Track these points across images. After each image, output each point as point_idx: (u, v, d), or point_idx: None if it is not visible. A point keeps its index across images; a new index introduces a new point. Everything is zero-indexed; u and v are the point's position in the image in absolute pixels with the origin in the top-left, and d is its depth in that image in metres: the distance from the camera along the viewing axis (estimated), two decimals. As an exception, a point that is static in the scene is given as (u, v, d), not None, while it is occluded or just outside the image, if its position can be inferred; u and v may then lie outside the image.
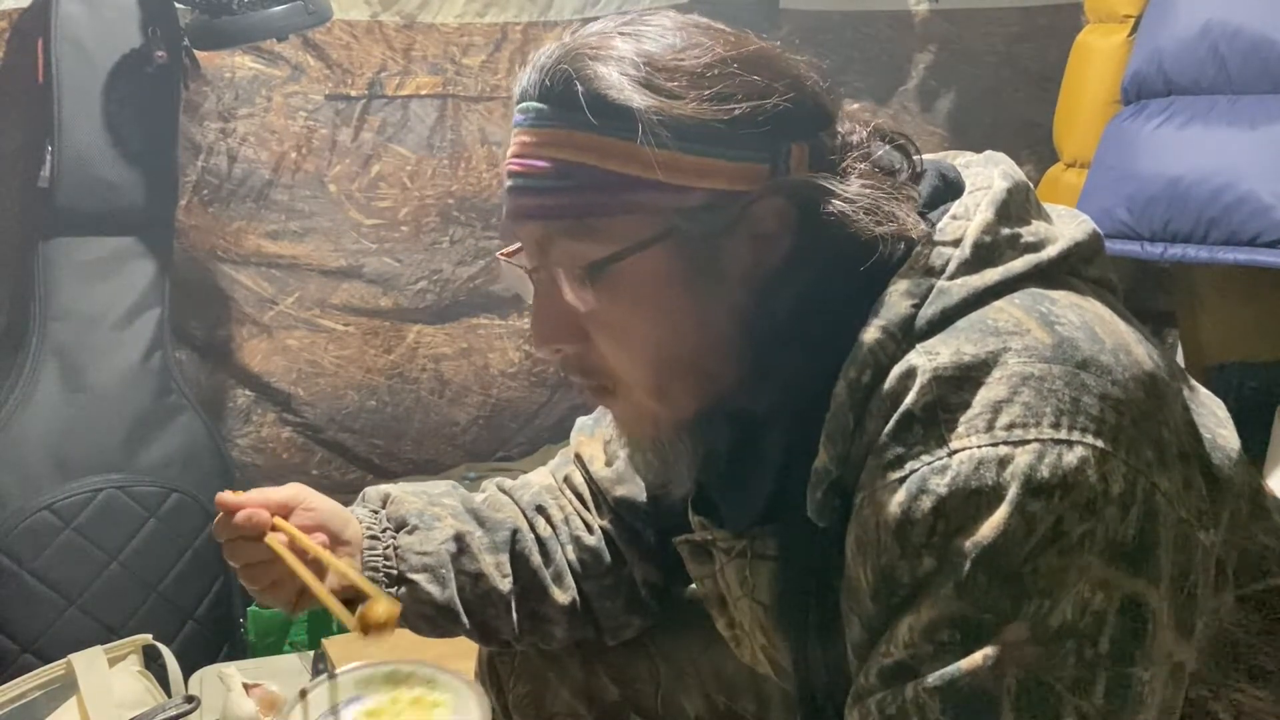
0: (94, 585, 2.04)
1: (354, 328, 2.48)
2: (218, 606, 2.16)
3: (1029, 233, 0.90)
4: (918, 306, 0.85)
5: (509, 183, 0.91)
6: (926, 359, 0.82)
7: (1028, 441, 0.78)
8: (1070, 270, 0.91)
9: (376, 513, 1.16)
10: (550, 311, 0.92)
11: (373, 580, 1.09)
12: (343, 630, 2.01)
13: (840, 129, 0.92)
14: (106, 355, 2.11)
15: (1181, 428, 0.87)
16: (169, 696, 1.83)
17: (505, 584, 1.16)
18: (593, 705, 1.25)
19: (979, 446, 0.78)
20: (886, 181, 0.90)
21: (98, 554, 2.05)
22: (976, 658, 0.77)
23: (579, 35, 0.90)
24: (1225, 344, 2.41)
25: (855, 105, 0.96)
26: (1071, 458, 0.78)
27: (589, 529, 1.21)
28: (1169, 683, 0.83)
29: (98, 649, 1.83)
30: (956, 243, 0.87)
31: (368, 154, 2.44)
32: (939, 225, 0.88)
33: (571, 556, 1.20)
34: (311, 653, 1.98)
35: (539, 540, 1.19)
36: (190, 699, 1.72)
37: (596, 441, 1.24)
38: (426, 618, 1.14)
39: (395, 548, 1.13)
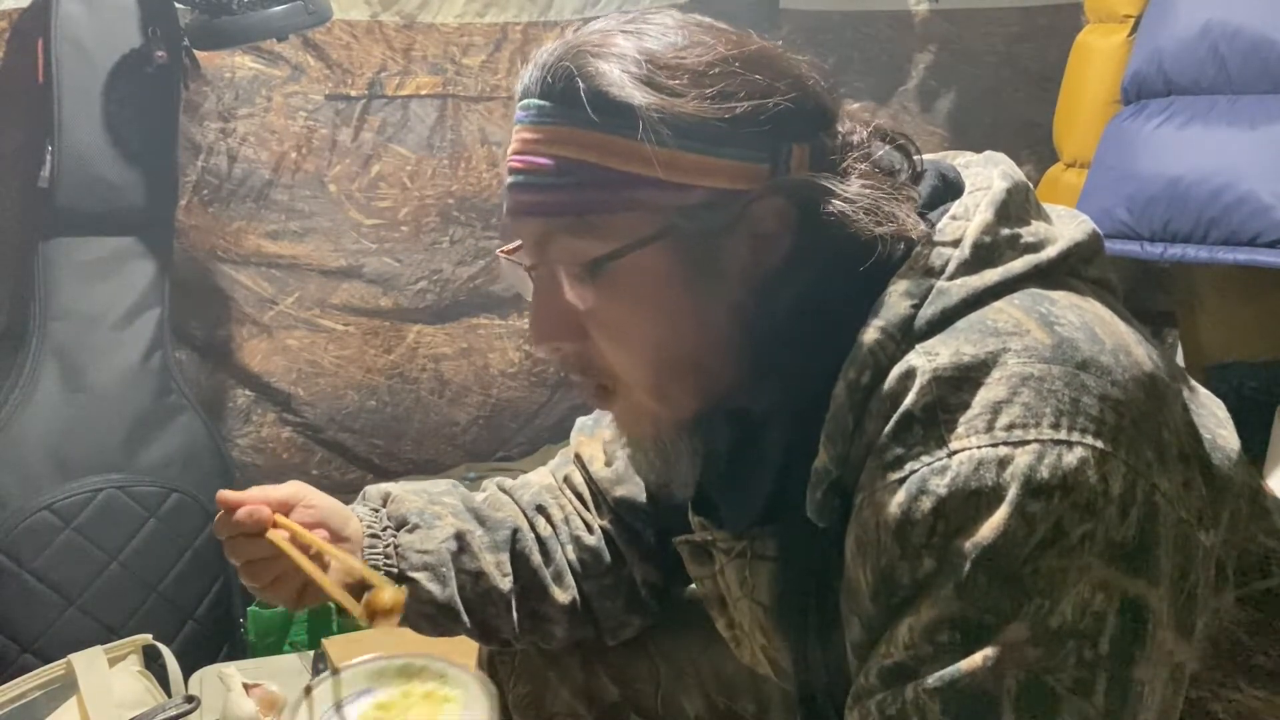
0: (94, 585, 2.04)
1: (354, 328, 2.48)
2: (218, 606, 2.16)
3: (1029, 233, 0.90)
4: (917, 307, 0.85)
5: (510, 179, 0.91)
6: (926, 359, 0.82)
7: (1027, 442, 0.78)
8: (1070, 271, 0.91)
9: (377, 511, 1.16)
10: (549, 309, 0.92)
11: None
12: (343, 630, 2.02)
13: (841, 129, 0.92)
14: (106, 355, 2.11)
15: (1181, 428, 0.87)
16: (169, 696, 1.83)
17: (505, 583, 1.16)
18: (593, 705, 1.25)
19: (979, 447, 0.78)
20: (886, 182, 0.90)
21: (98, 554, 2.05)
22: (976, 658, 0.77)
23: (581, 33, 0.90)
24: (1225, 344, 2.41)
25: (855, 105, 0.96)
26: (1071, 458, 0.78)
27: (589, 529, 1.21)
28: (1169, 683, 0.83)
29: (98, 649, 1.83)
30: (956, 243, 0.87)
31: (368, 154, 2.44)
32: (938, 225, 0.88)
33: (571, 556, 1.20)
34: (311, 653, 1.98)
35: (539, 540, 1.19)
36: (190, 699, 1.72)
37: (596, 441, 1.24)
38: (427, 616, 1.14)
39: (396, 546, 1.13)
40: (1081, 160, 2.43)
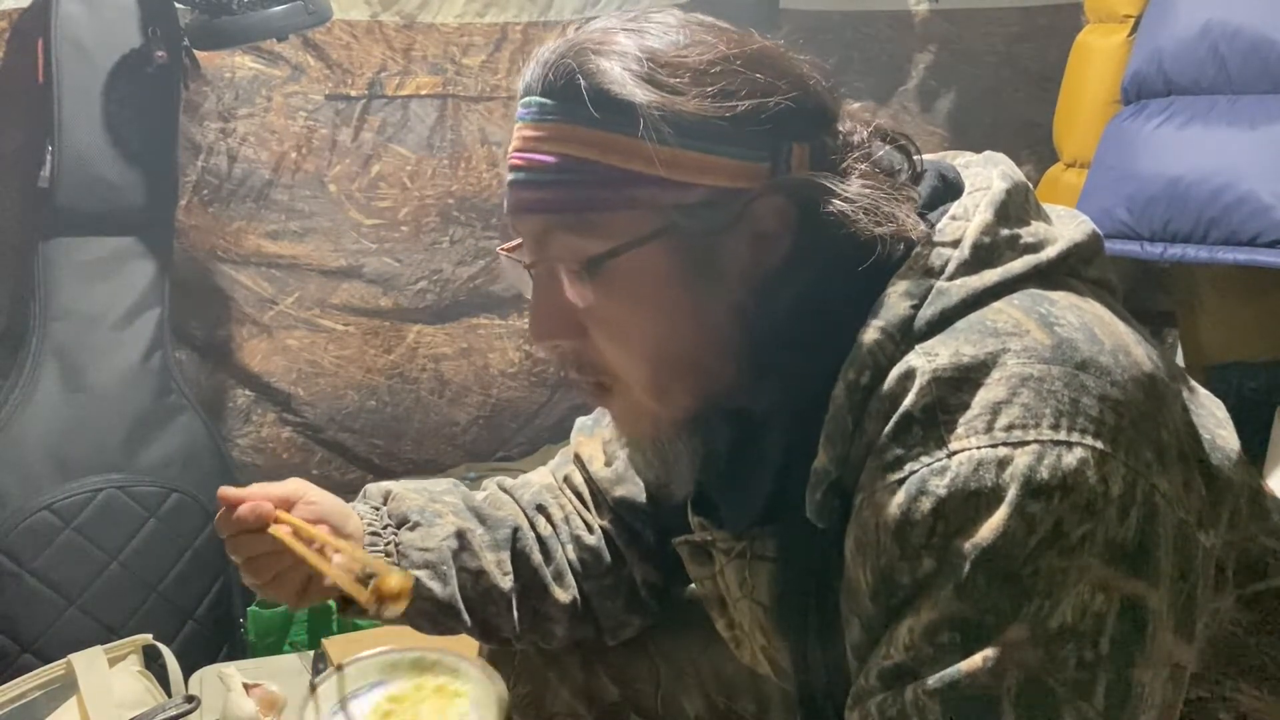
0: (94, 585, 2.04)
1: (354, 328, 2.48)
2: (218, 606, 2.16)
3: (1028, 233, 0.90)
4: (917, 307, 0.85)
5: (510, 176, 0.91)
6: (925, 360, 0.81)
7: (1027, 443, 0.78)
8: (1069, 271, 0.91)
9: (378, 509, 1.16)
10: (549, 306, 0.92)
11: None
12: (343, 629, 2.02)
13: (842, 129, 0.92)
14: (106, 355, 2.11)
15: (1181, 429, 0.87)
16: (169, 696, 1.83)
17: (506, 582, 1.16)
18: (593, 705, 1.25)
19: (978, 448, 0.78)
20: (886, 182, 0.90)
21: (98, 554, 2.05)
22: (976, 659, 0.77)
23: (583, 31, 0.90)
24: (1225, 344, 2.41)
25: (856, 105, 0.96)
26: (1071, 459, 0.78)
27: (589, 529, 1.21)
28: (1169, 684, 0.83)
29: (98, 649, 1.83)
30: (956, 243, 0.87)
31: (368, 154, 2.44)
32: (938, 226, 0.88)
33: (572, 556, 1.20)
34: (311, 653, 1.98)
35: (539, 539, 1.19)
36: (190, 699, 1.72)
37: (596, 441, 1.24)
38: (427, 614, 1.14)
39: (396, 544, 1.13)
40: (1081, 160, 2.43)
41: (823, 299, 0.88)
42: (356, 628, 1.95)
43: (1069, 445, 0.78)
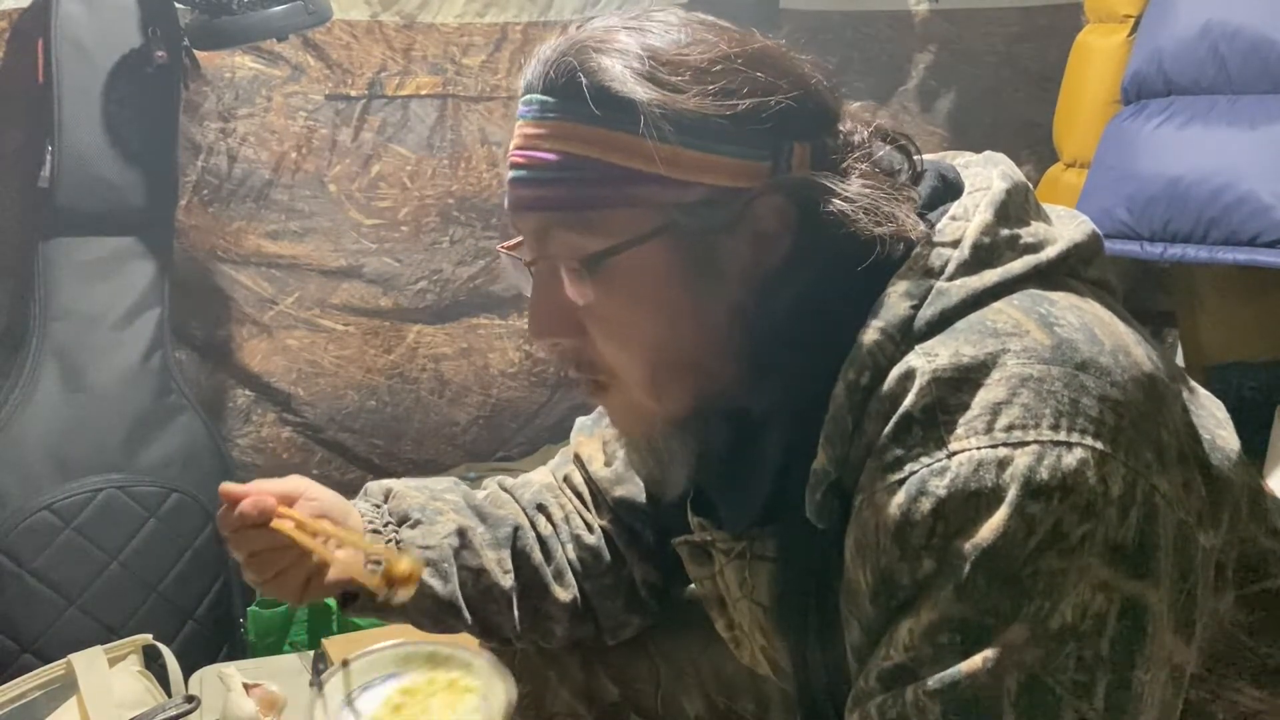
0: (94, 585, 2.04)
1: (354, 328, 2.48)
2: (218, 606, 2.16)
3: (1028, 234, 0.90)
4: (916, 308, 0.85)
5: (511, 174, 0.91)
6: (925, 360, 0.81)
7: (1027, 443, 0.78)
8: (1069, 271, 0.91)
9: (379, 506, 1.16)
10: (548, 304, 0.92)
11: (373, 575, 1.10)
12: (343, 629, 2.02)
13: (842, 129, 0.92)
14: (106, 355, 2.11)
15: (1181, 429, 0.86)
16: (169, 696, 1.83)
17: (507, 580, 1.16)
18: (593, 705, 1.25)
19: (978, 448, 0.78)
20: (886, 182, 0.90)
21: (98, 554, 2.05)
22: (976, 660, 0.77)
23: (584, 29, 0.91)
24: (1225, 344, 2.41)
25: (856, 105, 0.96)
26: (1071, 459, 0.78)
27: (589, 528, 1.21)
28: (1169, 684, 0.83)
29: (98, 649, 1.83)
30: (955, 244, 0.87)
31: (368, 154, 2.44)
32: (938, 226, 0.88)
33: (572, 555, 1.20)
34: (311, 653, 1.98)
35: (540, 538, 1.19)
36: (190, 699, 1.72)
37: (595, 441, 1.24)
38: (428, 612, 1.14)
39: (397, 541, 1.13)
40: (1081, 160, 2.43)
41: (822, 299, 0.88)
42: (356, 627, 1.95)
43: (1069, 446, 0.78)
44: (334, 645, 1.82)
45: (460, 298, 2.56)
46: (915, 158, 0.94)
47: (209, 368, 2.38)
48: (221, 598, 2.16)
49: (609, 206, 0.87)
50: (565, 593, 1.19)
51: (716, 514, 1.03)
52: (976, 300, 0.85)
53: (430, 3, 2.45)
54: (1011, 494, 0.77)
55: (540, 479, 1.25)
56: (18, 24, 2.12)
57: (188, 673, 1.93)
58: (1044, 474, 0.77)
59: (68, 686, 1.77)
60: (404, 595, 1.04)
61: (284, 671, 1.94)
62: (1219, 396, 0.97)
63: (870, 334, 0.84)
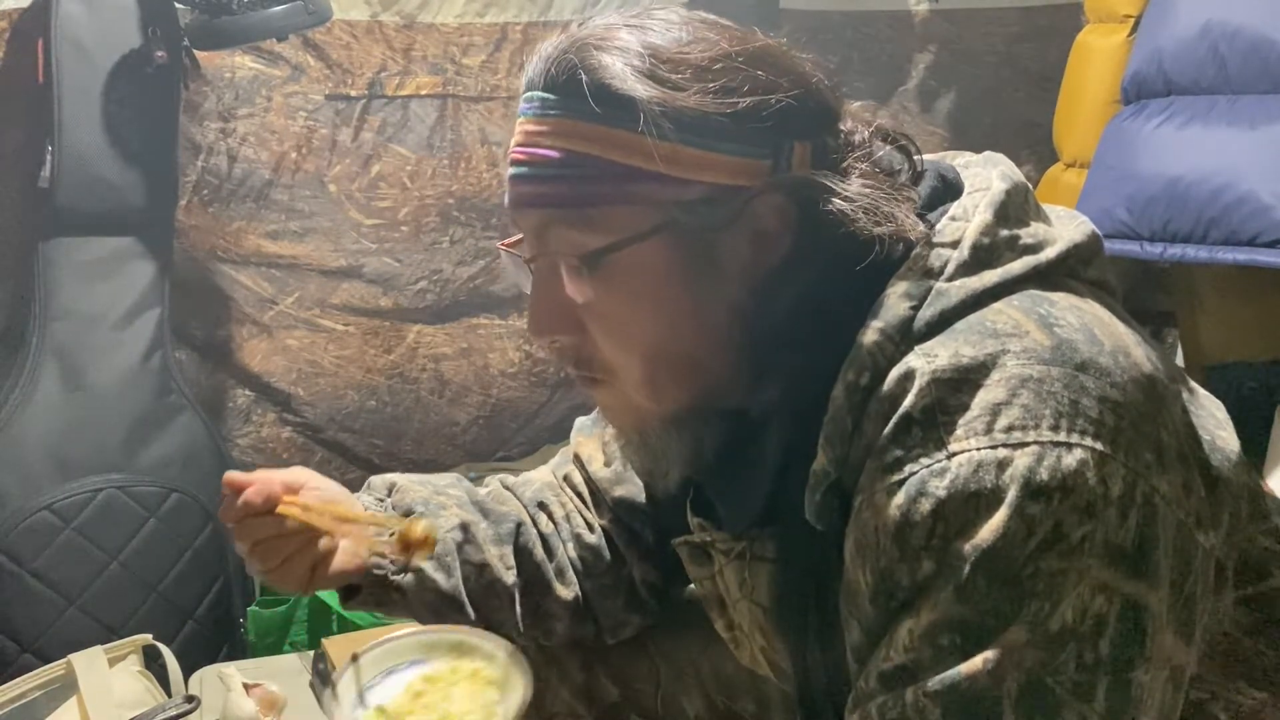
0: (94, 585, 2.04)
1: (354, 328, 2.48)
2: (218, 606, 2.16)
3: (1028, 234, 0.90)
4: (916, 308, 0.85)
5: (511, 171, 0.91)
6: (925, 361, 0.81)
7: (1027, 444, 0.78)
8: (1069, 272, 0.91)
9: (382, 500, 1.16)
10: (548, 301, 0.92)
11: (378, 566, 1.10)
12: (343, 629, 2.02)
13: (843, 128, 0.92)
14: (106, 355, 2.11)
15: (1181, 430, 0.86)
16: (169, 696, 1.83)
17: (509, 576, 1.16)
18: (593, 705, 1.25)
19: (978, 449, 0.78)
20: (886, 182, 0.90)
21: (98, 554, 2.05)
22: (976, 661, 0.77)
23: (585, 26, 0.91)
24: (1225, 344, 2.42)
25: (857, 105, 0.96)
26: (1070, 460, 0.78)
27: (590, 527, 1.21)
28: (1169, 685, 0.83)
29: (98, 649, 1.83)
30: (955, 244, 0.87)
31: (368, 154, 2.44)
32: (938, 226, 0.88)
33: (572, 554, 1.20)
34: (311, 652, 1.98)
35: (541, 535, 1.19)
36: (190, 699, 1.72)
37: (595, 441, 1.24)
38: (431, 606, 1.14)
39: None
40: (1081, 160, 2.43)
41: (822, 299, 0.88)
42: (356, 627, 1.95)
43: (1069, 446, 0.78)
44: (334, 645, 1.81)
45: (460, 298, 2.56)
46: (915, 158, 0.94)
47: (209, 368, 2.38)
48: (221, 598, 2.16)
49: (609, 204, 0.87)
50: (567, 590, 1.19)
51: (716, 514, 1.03)
52: (976, 301, 0.85)
53: (430, 3, 2.45)
54: (1011, 495, 0.77)
55: (541, 478, 1.25)
56: (18, 24, 2.12)
57: (188, 673, 1.93)
58: (1044, 475, 0.77)
59: (68, 686, 1.77)
60: (420, 559, 1.04)
61: (284, 671, 1.94)
62: (1219, 396, 0.97)
63: (870, 334, 0.84)
